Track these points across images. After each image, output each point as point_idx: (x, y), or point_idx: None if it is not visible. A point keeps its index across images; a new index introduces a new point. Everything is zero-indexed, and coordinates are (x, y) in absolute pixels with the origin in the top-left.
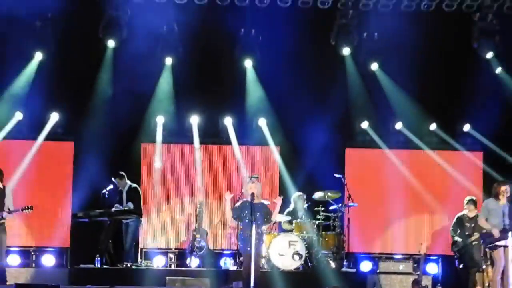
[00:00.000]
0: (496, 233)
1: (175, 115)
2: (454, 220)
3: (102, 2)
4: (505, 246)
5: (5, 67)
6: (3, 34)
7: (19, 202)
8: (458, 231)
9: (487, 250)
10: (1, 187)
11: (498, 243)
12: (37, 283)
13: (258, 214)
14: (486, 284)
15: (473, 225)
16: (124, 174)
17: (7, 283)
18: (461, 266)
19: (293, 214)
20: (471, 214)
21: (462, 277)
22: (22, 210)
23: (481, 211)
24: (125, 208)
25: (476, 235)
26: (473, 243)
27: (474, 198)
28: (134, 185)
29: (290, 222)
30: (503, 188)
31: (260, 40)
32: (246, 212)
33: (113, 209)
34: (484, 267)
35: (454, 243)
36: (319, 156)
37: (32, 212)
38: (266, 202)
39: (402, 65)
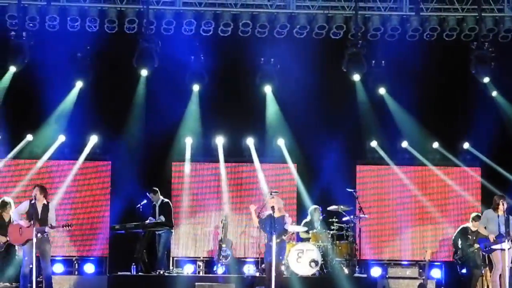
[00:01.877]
0: (491, 238)
1: (202, 136)
2: (458, 230)
3: (136, 35)
4: (501, 249)
5: (50, 95)
6: (48, 65)
7: (63, 216)
8: (460, 241)
9: (484, 253)
10: (45, 203)
11: (494, 246)
12: None
13: (277, 226)
14: (485, 286)
15: (474, 237)
16: (157, 189)
17: None
18: (463, 271)
19: (309, 225)
20: (474, 228)
21: (463, 282)
22: (62, 226)
23: (481, 219)
24: (158, 221)
25: (476, 245)
26: (474, 251)
27: (480, 214)
28: (166, 199)
29: (307, 232)
30: (499, 201)
31: (279, 68)
32: (268, 224)
33: (147, 221)
34: (483, 271)
35: (456, 252)
36: (333, 173)
37: (74, 222)
38: (287, 215)
39: (407, 90)
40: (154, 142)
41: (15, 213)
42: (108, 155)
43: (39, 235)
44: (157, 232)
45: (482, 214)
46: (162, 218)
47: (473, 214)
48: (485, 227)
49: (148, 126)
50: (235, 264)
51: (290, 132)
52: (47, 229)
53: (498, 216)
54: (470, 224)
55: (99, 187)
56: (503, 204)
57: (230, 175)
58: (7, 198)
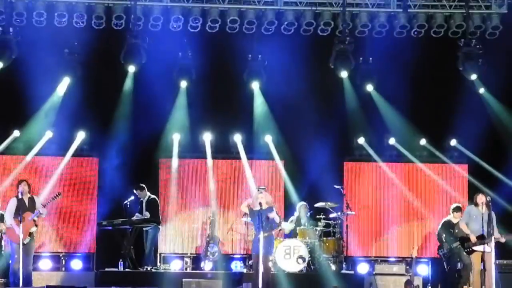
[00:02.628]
0: (473, 239)
1: (190, 132)
2: (441, 224)
3: (123, 31)
4: (482, 252)
5: (38, 91)
6: (35, 60)
7: (50, 211)
8: (444, 236)
9: (465, 254)
10: (30, 196)
11: (475, 248)
12: (67, 285)
13: (265, 220)
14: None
15: (456, 230)
16: (144, 186)
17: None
18: (448, 267)
19: (297, 221)
20: (455, 220)
21: (449, 278)
22: (52, 199)
23: (463, 215)
24: (144, 217)
25: (457, 242)
26: (458, 246)
27: (460, 205)
28: (153, 196)
29: (294, 229)
30: (479, 197)
31: (266, 64)
32: (256, 219)
33: (134, 218)
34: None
35: (441, 247)
36: (320, 169)
37: (62, 220)
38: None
39: (394, 86)
40: (141, 138)
41: (8, 215)
42: (96, 152)
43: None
44: (144, 229)
45: (465, 210)
46: (147, 214)
47: (453, 206)
48: (466, 224)
49: (135, 123)
50: (223, 260)
51: (278, 129)
52: (41, 210)
53: (482, 214)
54: (451, 216)
55: (86, 183)
56: (484, 199)
57: (218, 172)
58: None
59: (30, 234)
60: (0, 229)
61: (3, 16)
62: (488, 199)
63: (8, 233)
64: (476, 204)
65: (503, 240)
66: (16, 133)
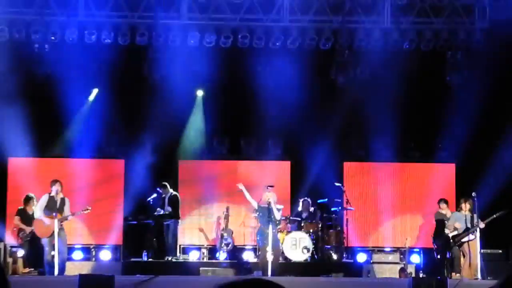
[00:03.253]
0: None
1: (206, 136)
2: (436, 218)
3: (146, 47)
4: (469, 241)
5: (70, 100)
6: (68, 73)
7: (80, 208)
8: (440, 228)
9: (456, 247)
10: (62, 196)
11: (463, 239)
12: (97, 273)
13: (273, 217)
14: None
15: (446, 222)
16: (167, 184)
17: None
18: (438, 256)
19: (301, 215)
20: (444, 211)
21: (439, 265)
22: (82, 211)
23: (450, 219)
24: (166, 212)
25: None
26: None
27: (445, 198)
28: (175, 192)
29: (299, 222)
30: (463, 203)
31: (274, 75)
32: (265, 214)
33: (156, 213)
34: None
35: (435, 237)
36: (322, 169)
37: (92, 216)
38: (280, 207)
39: (388, 94)
40: (162, 142)
41: (38, 208)
42: (122, 154)
43: (61, 224)
44: (165, 223)
45: (450, 204)
46: (169, 209)
47: (439, 201)
48: (453, 227)
49: (157, 128)
50: (235, 251)
51: (285, 133)
52: (69, 217)
53: (465, 215)
54: (439, 209)
55: (113, 182)
56: (466, 204)
57: (231, 171)
58: (31, 194)
59: (53, 233)
60: (16, 224)
61: (40, 34)
62: (473, 195)
63: (35, 225)
64: (460, 209)
65: (483, 225)
66: (51, 138)
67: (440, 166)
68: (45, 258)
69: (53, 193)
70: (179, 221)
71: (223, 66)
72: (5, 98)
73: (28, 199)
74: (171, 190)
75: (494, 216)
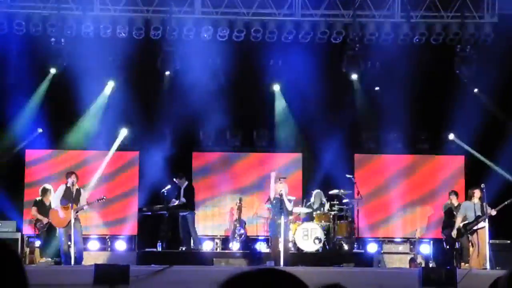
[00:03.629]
0: (453, 234)
1: (219, 128)
2: (444, 210)
3: (160, 40)
4: (479, 229)
5: (86, 93)
6: (84, 67)
7: (95, 198)
8: (448, 219)
9: (469, 236)
10: (78, 187)
11: (474, 227)
12: (112, 263)
13: (285, 207)
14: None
15: (457, 212)
16: (183, 174)
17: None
18: (447, 247)
19: (313, 206)
20: (456, 203)
21: (449, 255)
22: (97, 200)
23: (460, 210)
24: (180, 203)
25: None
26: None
27: (455, 190)
28: (191, 184)
29: (311, 213)
30: (473, 192)
31: (286, 68)
32: (277, 205)
33: (170, 204)
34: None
35: (444, 228)
36: (334, 161)
37: (107, 207)
38: (292, 198)
39: (398, 87)
40: (177, 134)
41: (55, 199)
42: (137, 146)
43: (77, 213)
44: (181, 214)
45: (460, 195)
46: (183, 200)
47: (450, 191)
48: (462, 218)
49: (171, 120)
50: (248, 241)
51: (296, 125)
52: (85, 207)
53: (474, 204)
54: (449, 201)
55: (128, 174)
56: (476, 193)
57: (243, 163)
58: (48, 185)
59: (69, 223)
60: (34, 214)
61: (56, 29)
62: (482, 186)
63: (51, 215)
64: (470, 198)
65: (494, 212)
66: (67, 131)
67: (449, 158)
68: (61, 248)
69: (69, 184)
70: (195, 211)
71: (236, 60)
72: (23, 91)
73: (45, 191)
74: (187, 181)
75: (506, 203)
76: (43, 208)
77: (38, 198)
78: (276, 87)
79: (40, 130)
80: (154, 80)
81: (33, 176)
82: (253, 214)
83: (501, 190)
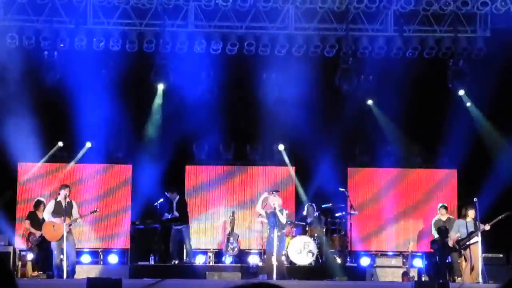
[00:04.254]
0: (450, 243)
1: (212, 142)
2: (433, 225)
3: (153, 54)
4: (471, 244)
5: (79, 106)
6: (77, 80)
7: (88, 211)
8: (435, 232)
9: (462, 251)
10: (69, 200)
11: (468, 242)
12: (104, 277)
13: (278, 221)
14: (462, 275)
15: (447, 226)
16: (175, 188)
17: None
18: (438, 260)
19: (306, 220)
20: (444, 218)
21: (441, 269)
22: (90, 213)
23: (454, 227)
24: (173, 217)
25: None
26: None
27: (445, 204)
28: (183, 198)
29: (304, 227)
30: (465, 211)
31: (279, 82)
32: (271, 219)
33: (164, 217)
34: (459, 261)
35: (433, 242)
36: (327, 174)
37: (100, 220)
38: (285, 211)
39: (392, 101)
40: (169, 147)
41: (47, 213)
42: (130, 159)
43: (70, 227)
44: (175, 228)
45: (450, 209)
46: (176, 214)
47: (438, 206)
48: (457, 232)
49: (164, 134)
50: (241, 255)
51: (290, 138)
52: (78, 220)
53: (466, 222)
54: (439, 215)
55: (121, 187)
56: (470, 212)
57: (236, 176)
58: (41, 198)
59: (62, 237)
60: (27, 228)
61: (49, 41)
62: (475, 201)
63: (44, 229)
64: (464, 216)
65: (487, 227)
66: (59, 144)
67: (442, 171)
68: (54, 262)
69: (59, 198)
70: (189, 225)
71: (229, 73)
72: (15, 104)
73: (38, 204)
74: (179, 195)
75: (500, 217)
76: (36, 221)
77: (31, 211)
78: (269, 100)
79: (32, 144)
80: (147, 93)
81: (25, 190)
82: (246, 227)
83: (494, 204)
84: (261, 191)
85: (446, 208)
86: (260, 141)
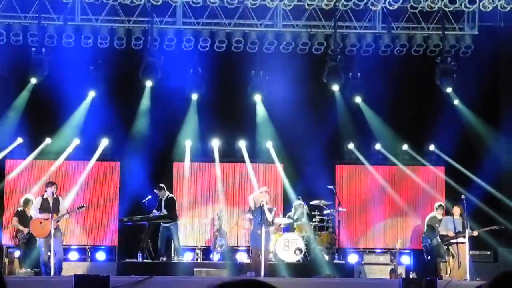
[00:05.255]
0: (450, 233)
1: (200, 139)
2: (427, 221)
3: (142, 51)
4: (459, 243)
5: (66, 103)
6: (65, 77)
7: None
8: (428, 230)
9: (445, 246)
10: (56, 197)
11: (452, 241)
12: (92, 274)
13: (266, 218)
14: (448, 271)
15: (439, 228)
16: (163, 186)
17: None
18: (428, 258)
19: (294, 217)
20: (439, 217)
21: (429, 266)
22: (78, 208)
23: (441, 224)
24: (162, 214)
25: (438, 238)
26: (438, 242)
27: (442, 204)
28: (172, 195)
29: (292, 224)
30: (454, 209)
31: (267, 79)
32: (258, 216)
33: (152, 214)
34: (446, 258)
35: (425, 238)
36: (315, 171)
37: (87, 217)
38: (273, 208)
39: (380, 98)
40: (157, 144)
41: (34, 210)
42: (117, 156)
43: (57, 223)
44: (163, 225)
45: (443, 219)
46: (165, 211)
47: (437, 204)
48: (444, 229)
49: (152, 130)
50: (229, 252)
51: (277, 136)
52: (66, 215)
53: (454, 219)
54: (435, 213)
55: (109, 184)
56: (457, 209)
57: (225, 174)
58: (29, 196)
59: (50, 233)
60: (14, 225)
61: (37, 38)
62: (462, 198)
63: (32, 226)
64: (452, 214)
65: (475, 233)
66: (47, 140)
67: (430, 169)
68: (41, 259)
69: (46, 195)
70: (177, 222)
71: (218, 70)
72: (3, 101)
73: (27, 201)
74: (167, 193)
75: (492, 228)
76: (24, 218)
77: (19, 209)
78: (258, 97)
79: (20, 140)
80: (136, 90)
81: (13, 187)
82: (233, 224)
83: (481, 201)
84: (249, 188)
85: (443, 208)
86: (248, 138)
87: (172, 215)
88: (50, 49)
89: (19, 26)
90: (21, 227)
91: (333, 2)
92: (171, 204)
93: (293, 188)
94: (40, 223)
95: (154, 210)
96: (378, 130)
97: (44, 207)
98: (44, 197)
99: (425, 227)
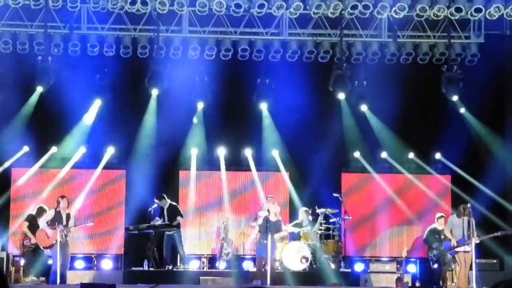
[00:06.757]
0: (453, 242)
1: (206, 147)
2: (428, 230)
3: (147, 59)
4: (464, 252)
5: (73, 112)
6: (71, 85)
7: (84, 218)
8: (432, 241)
9: (450, 255)
10: (68, 212)
11: (457, 249)
12: (98, 282)
13: (272, 227)
14: (455, 280)
15: (442, 236)
16: (163, 195)
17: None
18: (434, 266)
19: (300, 226)
20: (440, 227)
21: (435, 275)
22: (85, 224)
23: (447, 224)
24: (163, 223)
25: (443, 247)
26: (443, 250)
27: (443, 214)
28: (174, 203)
29: (298, 232)
30: (462, 209)
31: (273, 88)
32: (264, 224)
33: (154, 222)
34: (453, 266)
35: (429, 250)
36: (321, 180)
37: (94, 225)
38: (278, 218)
39: (386, 107)
40: (163, 153)
41: (43, 221)
42: (123, 165)
43: (65, 236)
44: (167, 233)
45: (447, 217)
46: (167, 220)
47: (437, 215)
48: (450, 231)
49: (158, 139)
50: (235, 260)
51: (283, 144)
52: (72, 229)
53: (463, 221)
54: (436, 224)
55: (115, 193)
56: (465, 210)
57: (230, 182)
58: (45, 206)
59: (54, 244)
60: (24, 230)
61: (43, 47)
62: (468, 206)
63: (38, 236)
64: (459, 214)
65: (478, 240)
66: (53, 149)
67: (436, 177)
68: (53, 268)
69: (59, 208)
70: (181, 230)
71: (223, 79)
72: (9, 109)
73: (41, 211)
74: (169, 201)
75: (495, 234)
76: (34, 225)
77: (32, 213)
78: (264, 106)
79: (26, 148)
80: (142, 98)
81: (19, 195)
82: (239, 233)
83: (487, 209)
84: (255, 196)
85: (444, 218)
86: (254, 146)
87: (176, 223)
88: (56, 58)
89: (25, 34)
90: (29, 234)
91: (339, 10)
92: (173, 213)
93: (299, 196)
94: (46, 234)
95: (156, 218)
96: (384, 139)
97: (56, 220)
98: (57, 210)
99: (425, 239)
